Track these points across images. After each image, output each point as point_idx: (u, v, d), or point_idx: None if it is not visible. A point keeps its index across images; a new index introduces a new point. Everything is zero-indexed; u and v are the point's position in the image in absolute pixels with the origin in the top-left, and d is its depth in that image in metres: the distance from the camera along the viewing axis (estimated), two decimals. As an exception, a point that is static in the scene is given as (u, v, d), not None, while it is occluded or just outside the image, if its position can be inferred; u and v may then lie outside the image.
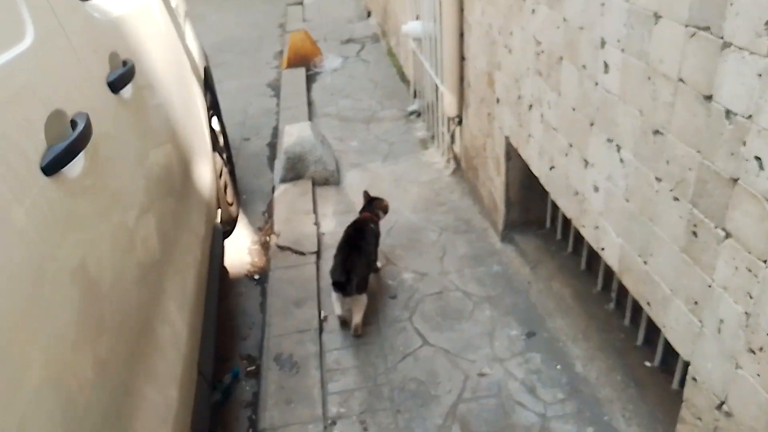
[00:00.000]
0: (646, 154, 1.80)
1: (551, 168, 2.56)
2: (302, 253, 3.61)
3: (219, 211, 3.56)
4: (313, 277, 3.40)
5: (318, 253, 3.63)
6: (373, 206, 3.54)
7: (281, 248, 3.69)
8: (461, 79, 3.88)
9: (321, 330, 3.05)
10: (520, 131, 2.91)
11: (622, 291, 2.54)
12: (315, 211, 4.09)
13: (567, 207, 2.45)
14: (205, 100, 3.72)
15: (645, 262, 1.90)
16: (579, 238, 2.87)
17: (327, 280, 3.33)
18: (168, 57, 2.75)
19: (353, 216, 3.59)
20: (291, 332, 3.01)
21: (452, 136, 4.27)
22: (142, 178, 1.98)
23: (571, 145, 2.32)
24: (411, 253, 3.57)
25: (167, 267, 2.07)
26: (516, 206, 3.37)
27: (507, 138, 3.13)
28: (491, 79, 3.26)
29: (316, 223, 3.92)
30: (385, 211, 3.51)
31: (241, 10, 10.55)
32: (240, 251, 3.89)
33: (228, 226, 3.90)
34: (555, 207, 3.19)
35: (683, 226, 1.67)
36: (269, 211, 4.27)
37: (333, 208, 4.18)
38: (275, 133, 5.53)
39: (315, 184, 4.44)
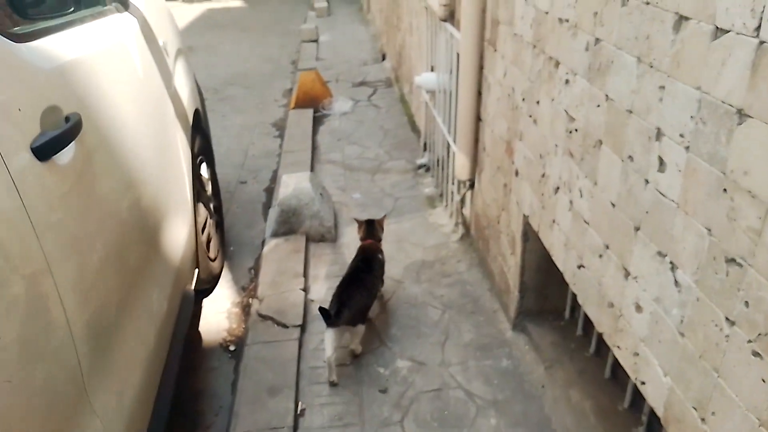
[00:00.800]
0: (715, 285, 1.38)
1: (580, 267, 2.14)
2: (285, 326, 3.18)
3: (196, 271, 3.15)
4: (294, 357, 2.97)
5: (302, 327, 3.20)
6: (375, 230, 3.29)
7: (262, 317, 3.27)
8: (476, 141, 3.50)
9: (296, 428, 2.60)
10: (542, 213, 2.50)
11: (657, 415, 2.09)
12: (305, 274, 3.67)
13: (598, 319, 2.02)
14: (193, 146, 3.34)
15: (703, 420, 1.46)
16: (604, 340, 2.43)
17: (309, 362, 2.91)
18: (141, 104, 2.38)
19: (341, 273, 3.21)
20: (260, 430, 2.57)
21: (462, 200, 3.87)
22: (72, 265, 1.57)
23: (607, 247, 1.90)
24: (408, 335, 3.14)
25: (106, 362, 1.65)
26: (531, 292, 2.94)
27: (526, 217, 2.72)
28: (510, 147, 2.87)
29: (305, 289, 3.50)
30: (382, 227, 3.39)
31: (255, 43, 10.32)
32: (218, 314, 3.47)
33: (207, 284, 3.50)
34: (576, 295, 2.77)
35: (767, 393, 1.24)
36: (256, 269, 3.85)
37: (326, 269, 3.76)
38: (274, 177, 5.16)
39: (309, 240, 4.04)
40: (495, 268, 3.33)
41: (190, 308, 2.84)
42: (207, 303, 3.56)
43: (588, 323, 2.73)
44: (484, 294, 3.43)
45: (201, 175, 3.60)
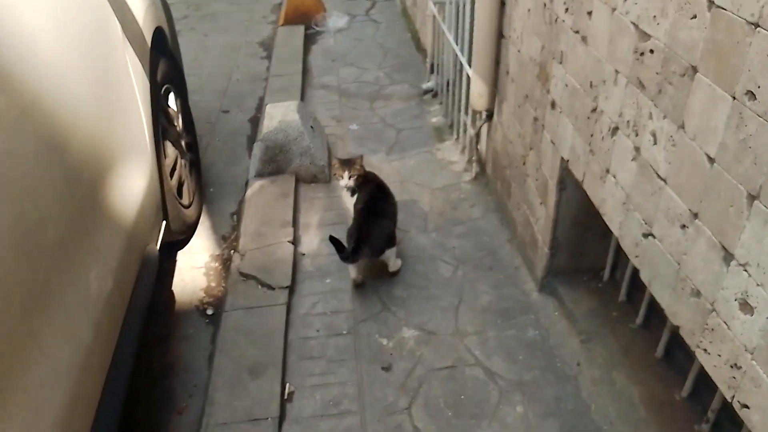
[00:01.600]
0: None
1: (647, 236, 1.62)
2: (270, 287, 2.70)
3: (164, 224, 2.65)
4: (281, 326, 2.51)
5: (291, 288, 2.72)
6: (351, 168, 2.81)
7: (244, 276, 2.78)
8: (496, 63, 2.90)
9: (282, 418, 2.17)
10: (589, 160, 1.96)
11: (726, 408, 1.65)
12: (295, 222, 3.16)
13: (672, 307, 1.53)
14: (155, 73, 2.75)
15: None
16: (656, 307, 1.96)
17: (299, 330, 2.46)
18: (65, 20, 1.79)
19: (343, 228, 2.81)
20: (239, 421, 2.14)
21: (477, 134, 3.30)
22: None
23: (696, 216, 1.38)
24: (416, 297, 2.67)
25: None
26: (564, 248, 2.44)
27: (564, 161, 2.18)
28: (545, 72, 2.29)
29: (294, 240, 3.00)
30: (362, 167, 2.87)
31: (240, -50, 9.35)
32: (194, 270, 2.99)
33: (182, 235, 3.01)
34: (620, 252, 2.28)
35: None
36: (239, 215, 3.34)
37: (319, 216, 3.25)
38: (261, 105, 4.55)
39: (299, 180, 3.51)
40: (518, 216, 2.81)
41: (152, 272, 2.34)
42: (182, 256, 3.06)
43: (634, 288, 2.25)
44: (503, 246, 2.93)
45: (168, 107, 3.02)
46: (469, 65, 3.17)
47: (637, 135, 1.66)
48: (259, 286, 2.72)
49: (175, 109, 3.14)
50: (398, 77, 4.79)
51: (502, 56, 2.87)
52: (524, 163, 2.65)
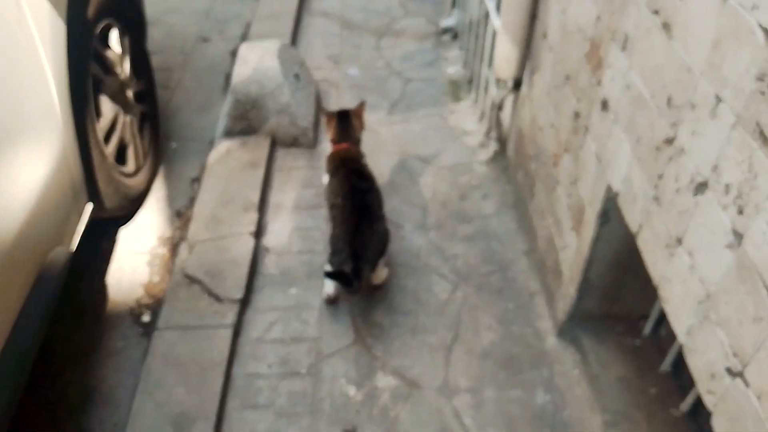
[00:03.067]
0: None
1: (733, 374, 1.01)
2: (218, 299, 2.14)
3: (88, 207, 2.09)
4: (223, 359, 1.97)
5: (245, 300, 2.16)
6: (349, 127, 2.35)
7: (189, 279, 2.22)
8: (532, 19, 2.17)
9: (205, 503, 1.66)
10: (652, 210, 1.33)
11: None
12: (262, 204, 2.56)
13: None
14: (83, 9, 2.09)
15: None
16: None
17: (247, 364, 1.93)
18: None
19: (324, 210, 2.37)
20: (147, 507, 1.63)
21: (500, 104, 2.60)
22: None
23: None
24: (400, 325, 2.11)
25: None
26: (596, 291, 1.82)
27: (612, 191, 1.53)
28: (597, 56, 1.59)
29: (258, 232, 2.41)
30: (362, 121, 2.43)
31: None
32: (137, 256, 2.43)
33: (122, 210, 2.43)
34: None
35: None
36: (200, 182, 2.73)
37: (296, 193, 2.64)
38: (247, 33, 3.82)
39: (276, 143, 2.87)
40: (540, 226, 2.19)
41: (53, 287, 1.79)
42: (126, 235, 2.50)
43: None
44: (518, 261, 2.32)
45: (107, 50, 2.36)
46: (498, 15, 2.42)
47: (741, 213, 1.01)
48: (205, 295, 2.16)
49: (119, 51, 2.47)
50: (414, 8, 3.99)
51: (540, 10, 2.13)
52: (555, 165, 1.98)
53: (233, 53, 3.63)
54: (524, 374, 1.94)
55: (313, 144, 2.89)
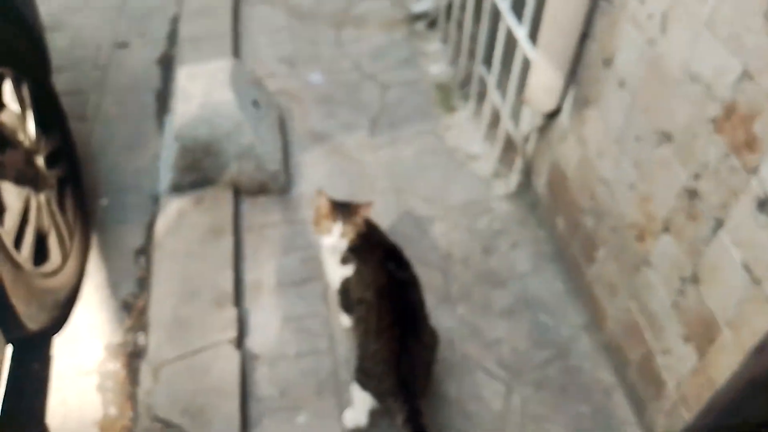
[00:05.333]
0: None
1: None
2: (207, 452, 1.58)
3: (8, 349, 1.47)
4: None
5: (243, 446, 1.61)
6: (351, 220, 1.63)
7: (162, 423, 1.64)
8: (583, 38, 1.64)
9: None
10: None
11: None
12: (238, 287, 1.98)
13: None
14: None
15: None
16: None
17: None
18: None
19: (316, 286, 1.92)
20: None
21: (527, 137, 2.08)
22: None
23: None
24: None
25: None
26: (718, 413, 1.38)
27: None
28: (744, 129, 1.11)
29: (240, 337, 1.84)
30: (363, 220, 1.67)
31: None
32: (82, 380, 1.83)
33: (52, 322, 1.82)
34: None
35: None
36: (148, 261, 2.11)
37: (276, 264, 2.07)
38: (174, 32, 3.09)
39: (239, 193, 2.26)
40: (609, 305, 1.74)
41: None
42: (61, 349, 1.89)
43: None
44: (578, 338, 1.87)
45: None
46: (516, 17, 1.87)
47: None
48: (187, 446, 1.59)
49: (17, 109, 1.78)
50: (373, -14, 3.34)
51: (596, 29, 1.60)
52: (641, 240, 1.51)
53: (161, 62, 2.93)
54: None
55: (285, 188, 2.29)
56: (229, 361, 1.76)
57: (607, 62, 1.57)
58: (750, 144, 1.09)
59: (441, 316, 1.92)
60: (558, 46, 1.66)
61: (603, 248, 1.73)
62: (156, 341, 1.80)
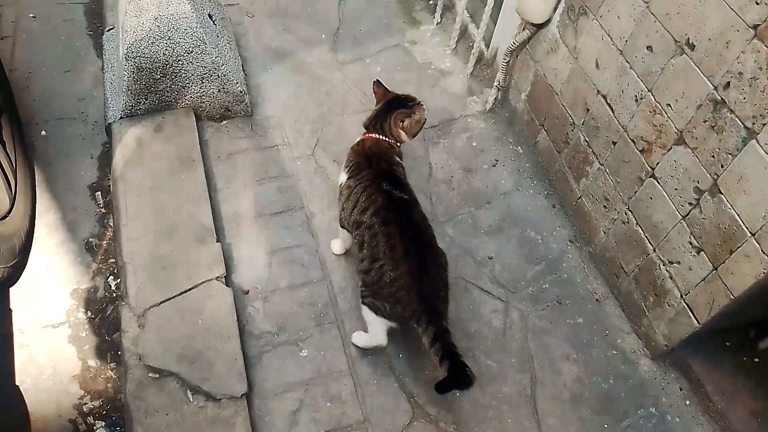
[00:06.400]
0: None
1: None
2: (210, 397, 1.51)
3: None
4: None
5: (248, 396, 1.54)
6: (391, 120, 1.62)
7: (155, 373, 1.54)
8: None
9: None
10: None
11: None
12: (217, 220, 1.85)
13: None
14: None
15: None
16: None
17: None
18: None
19: (296, 213, 1.83)
20: None
21: (513, 52, 2.01)
22: None
23: None
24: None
25: None
26: (723, 318, 1.46)
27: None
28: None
29: (226, 276, 1.73)
30: (417, 128, 1.66)
31: None
32: (50, 333, 1.68)
33: (9, 270, 1.65)
34: None
35: None
36: (108, 198, 1.93)
37: (252, 195, 1.96)
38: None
39: (200, 119, 2.08)
40: (600, 215, 1.77)
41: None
42: (19, 303, 1.71)
43: None
44: (567, 251, 1.92)
45: None
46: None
47: None
48: (189, 394, 1.51)
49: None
50: None
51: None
52: (647, 153, 1.51)
53: (83, -29, 2.57)
54: (631, 418, 1.58)
55: (250, 110, 2.13)
56: (221, 299, 1.65)
57: (613, -33, 1.51)
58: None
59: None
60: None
61: (597, 162, 1.72)
62: (136, 284, 1.65)
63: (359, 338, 1.62)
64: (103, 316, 1.73)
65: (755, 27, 1.16)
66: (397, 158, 1.64)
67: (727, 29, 1.22)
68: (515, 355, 1.67)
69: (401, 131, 1.62)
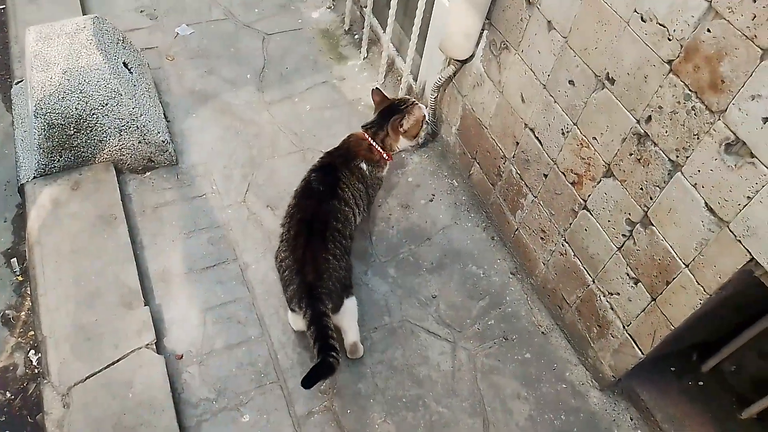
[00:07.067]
0: None
1: None
2: (147, 475, 1.41)
3: None
4: None
5: (188, 463, 1.45)
6: (389, 123, 1.71)
7: (84, 452, 1.42)
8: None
9: None
10: None
11: None
12: (143, 279, 1.75)
13: None
14: None
15: None
16: None
17: None
18: None
19: (231, 266, 1.77)
20: None
21: (440, 87, 1.99)
22: None
23: None
24: (413, 428, 1.57)
25: None
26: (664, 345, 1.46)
27: (758, 265, 1.11)
28: (712, 68, 1.10)
29: (157, 342, 1.63)
30: (416, 128, 1.76)
31: None
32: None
33: None
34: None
35: None
36: (26, 262, 1.81)
37: (181, 248, 1.87)
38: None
39: (123, 171, 1.98)
40: (539, 248, 1.76)
41: None
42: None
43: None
44: (509, 284, 1.88)
45: None
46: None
47: None
48: (121, 474, 1.40)
49: None
50: None
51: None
52: (578, 186, 1.50)
53: (-13, 20, 2.45)
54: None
55: (174, 159, 2.04)
56: (153, 368, 1.55)
57: (531, 2, 1.51)
58: (715, 85, 1.08)
59: (374, 281, 1.84)
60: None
61: (531, 194, 1.71)
62: (58, 359, 1.54)
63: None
64: (25, 396, 1.60)
65: (670, 62, 1.17)
66: (363, 163, 1.68)
67: (643, 64, 1.23)
68: (466, 399, 1.63)
69: (402, 138, 1.70)
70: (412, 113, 1.72)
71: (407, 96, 1.83)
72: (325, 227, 1.54)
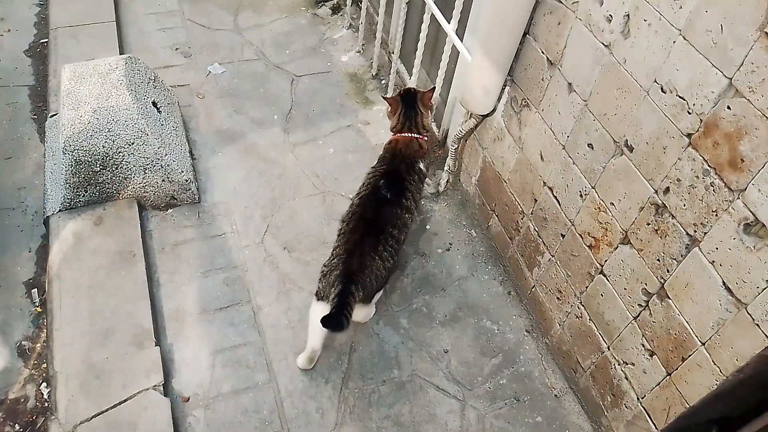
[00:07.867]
0: None
1: None
2: None
3: None
4: None
5: None
6: (415, 112, 1.79)
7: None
8: (524, 34, 1.56)
9: None
10: None
11: None
12: (157, 320, 1.76)
13: None
14: None
15: None
16: None
17: None
18: None
19: (244, 308, 1.74)
20: None
21: (461, 139, 1.99)
22: None
23: None
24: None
25: None
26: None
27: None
28: (727, 144, 1.07)
29: (166, 380, 1.63)
30: (430, 105, 1.86)
31: None
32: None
33: None
34: None
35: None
36: (45, 294, 1.84)
37: (197, 287, 1.88)
38: (44, 16, 2.70)
39: (144, 208, 2.01)
40: (555, 308, 1.72)
41: None
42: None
43: None
44: (523, 342, 1.85)
45: None
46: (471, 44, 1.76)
47: None
48: None
49: None
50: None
51: (538, 26, 1.52)
52: (595, 250, 1.47)
53: (32, 53, 2.54)
54: None
55: (196, 198, 2.07)
56: (158, 411, 1.56)
57: (553, 63, 1.50)
58: (735, 164, 1.05)
59: (385, 331, 1.82)
60: (499, 44, 1.56)
61: (548, 253, 1.68)
62: (66, 396, 1.55)
63: (298, 360, 1.68)
64: (33, 429, 1.61)
65: (689, 135, 1.14)
66: (421, 163, 1.75)
67: (662, 135, 1.20)
68: None
69: (424, 114, 1.79)
70: (426, 88, 1.86)
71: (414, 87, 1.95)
72: (382, 230, 1.59)
